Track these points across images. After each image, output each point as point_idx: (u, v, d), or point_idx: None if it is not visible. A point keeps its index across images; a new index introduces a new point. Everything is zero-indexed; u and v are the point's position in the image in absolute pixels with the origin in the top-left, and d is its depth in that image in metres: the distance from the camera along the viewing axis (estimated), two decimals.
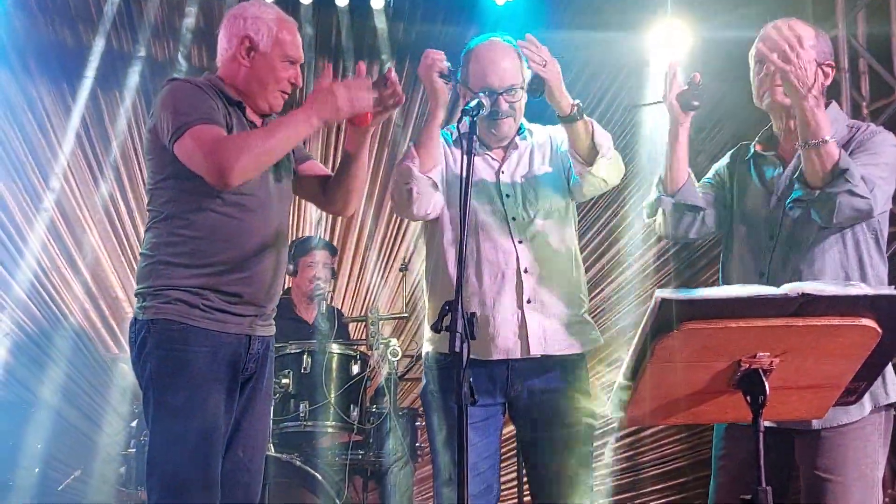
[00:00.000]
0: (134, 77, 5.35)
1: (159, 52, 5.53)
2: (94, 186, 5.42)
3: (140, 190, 5.33)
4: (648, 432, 5.34)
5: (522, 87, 2.84)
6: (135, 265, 5.02)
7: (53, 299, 5.29)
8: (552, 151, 2.94)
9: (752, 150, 2.68)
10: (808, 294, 1.83)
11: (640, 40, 5.26)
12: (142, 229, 5.05)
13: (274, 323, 2.71)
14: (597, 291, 5.35)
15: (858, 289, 1.91)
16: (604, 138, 2.78)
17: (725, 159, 2.78)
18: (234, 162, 2.35)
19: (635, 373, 1.95)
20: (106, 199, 5.41)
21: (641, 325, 1.89)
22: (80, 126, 5.39)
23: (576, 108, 2.71)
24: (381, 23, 5.50)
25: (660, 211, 2.71)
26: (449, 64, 2.71)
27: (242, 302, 2.54)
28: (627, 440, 5.43)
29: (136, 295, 2.56)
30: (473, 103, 2.48)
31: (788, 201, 2.49)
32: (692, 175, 2.68)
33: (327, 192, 2.79)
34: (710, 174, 2.78)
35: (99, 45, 5.31)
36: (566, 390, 2.79)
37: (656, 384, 1.95)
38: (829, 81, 2.56)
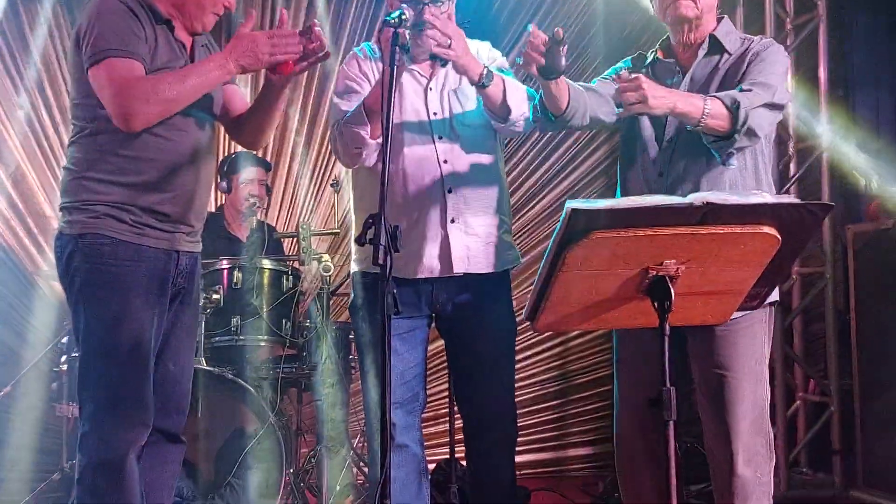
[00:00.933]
0: None
1: None
2: (14, 97, 5.22)
3: (64, 101, 5.18)
4: (576, 342, 5.44)
5: (449, 1, 2.78)
6: (57, 178, 5.03)
7: None
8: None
9: (653, 57, 2.76)
10: (712, 203, 1.90)
11: None
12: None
13: (201, 240, 2.71)
14: (525, 210, 5.40)
15: (760, 197, 1.98)
16: (515, 98, 2.75)
17: (625, 63, 2.84)
18: (138, 109, 2.36)
19: (548, 281, 2.01)
20: (29, 111, 5.23)
21: (553, 235, 1.94)
22: None
23: (484, 75, 2.67)
24: None
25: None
26: (407, 16, 2.50)
27: (169, 219, 2.53)
28: (556, 350, 5.55)
29: (60, 209, 2.53)
30: (395, 14, 2.41)
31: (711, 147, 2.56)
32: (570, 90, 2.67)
33: (239, 123, 2.76)
34: (608, 72, 2.83)
35: None
36: (488, 305, 2.85)
37: (567, 292, 2.01)
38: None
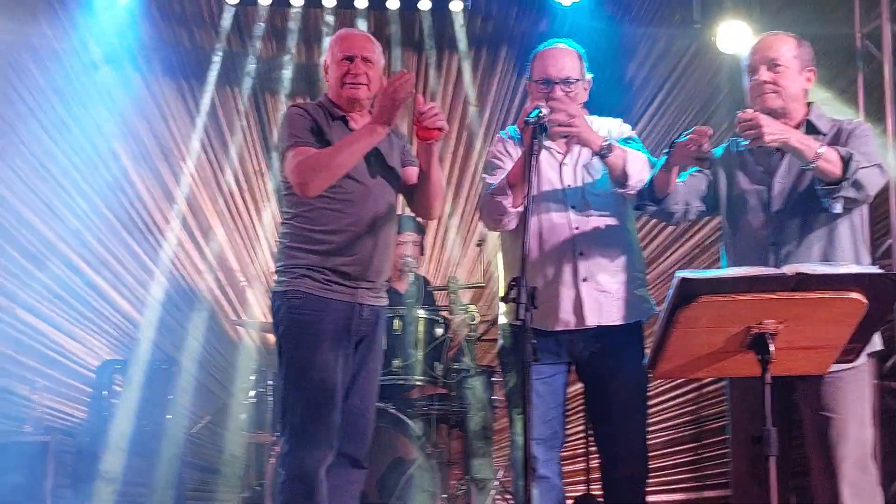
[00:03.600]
0: (248, 80, 5.87)
1: (268, 51, 6.02)
2: (216, 181, 5.96)
3: (253, 180, 5.93)
4: (710, 388, 5.50)
5: (580, 82, 3.15)
6: (250, 249, 5.71)
7: (185, 279, 5.90)
8: None
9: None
10: (803, 273, 2.17)
11: (699, 35, 5.55)
12: (256, 217, 5.80)
13: (385, 295, 3.13)
14: (656, 265, 5.62)
15: (846, 268, 2.22)
16: (634, 166, 3.02)
17: (719, 149, 3.05)
18: (308, 180, 2.88)
19: (664, 336, 2.32)
20: (226, 193, 5.95)
21: (667, 298, 2.25)
22: (203, 128, 5.92)
23: (604, 147, 2.99)
24: (459, 23, 5.88)
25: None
26: (544, 112, 2.84)
27: (350, 278, 2.98)
28: (691, 395, 5.66)
29: (275, 273, 3.07)
30: (534, 114, 2.77)
31: (819, 191, 2.73)
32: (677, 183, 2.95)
33: (414, 199, 3.21)
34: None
35: (219, 49, 5.82)
36: (621, 354, 3.08)
37: (681, 345, 2.31)
38: (810, 85, 2.90)
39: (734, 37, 5.24)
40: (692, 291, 2.18)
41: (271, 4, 5.77)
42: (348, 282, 2.98)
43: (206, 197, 5.95)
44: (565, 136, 3.07)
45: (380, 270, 3.08)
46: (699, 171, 3.00)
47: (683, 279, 2.16)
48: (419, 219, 4.50)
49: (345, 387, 2.96)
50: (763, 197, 2.87)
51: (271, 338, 3.27)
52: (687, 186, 2.99)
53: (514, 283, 2.52)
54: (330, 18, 5.79)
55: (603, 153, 3.01)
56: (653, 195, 2.96)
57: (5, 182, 5.57)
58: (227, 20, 5.77)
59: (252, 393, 4.57)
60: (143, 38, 5.75)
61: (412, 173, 3.19)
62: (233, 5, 5.73)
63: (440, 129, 2.94)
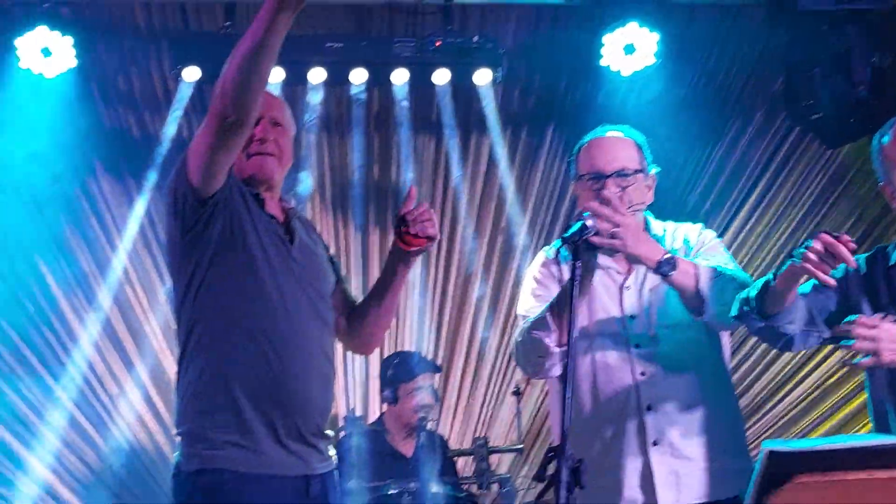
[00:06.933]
0: None
1: None
2: (158, 288, 6.11)
3: None
4: None
5: (640, 175, 3.17)
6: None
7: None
8: (686, 258, 3.15)
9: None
10: None
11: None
12: None
13: (330, 457, 3.05)
14: (757, 418, 5.64)
15: None
16: (713, 285, 3.00)
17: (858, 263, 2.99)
18: (221, 102, 2.73)
19: None
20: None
21: (752, 478, 2.26)
22: (146, 223, 6.12)
23: (662, 262, 2.98)
24: (488, 97, 6.02)
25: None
26: (590, 224, 2.90)
27: (288, 438, 2.87)
28: None
29: (177, 435, 2.96)
30: (575, 228, 2.81)
31: None
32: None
33: (350, 322, 3.20)
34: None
35: (167, 135, 6.02)
36: None
37: None
38: None
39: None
40: (785, 469, 2.19)
41: None
42: (287, 447, 2.88)
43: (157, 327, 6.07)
44: (599, 251, 3.06)
45: (322, 424, 3.01)
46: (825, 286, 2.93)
47: (772, 452, 2.17)
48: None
49: None
50: None
51: None
52: (811, 302, 2.95)
53: (552, 455, 2.54)
54: (316, 97, 5.98)
55: (663, 271, 3.00)
56: (762, 308, 2.91)
57: None
58: (182, 99, 5.98)
59: None
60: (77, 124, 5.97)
61: (345, 293, 3.23)
62: (191, 83, 5.94)
63: (430, 238, 2.99)
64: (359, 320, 3.20)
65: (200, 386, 2.89)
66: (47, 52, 5.57)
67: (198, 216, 2.89)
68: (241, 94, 2.72)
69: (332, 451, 3.11)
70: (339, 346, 3.27)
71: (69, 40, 5.58)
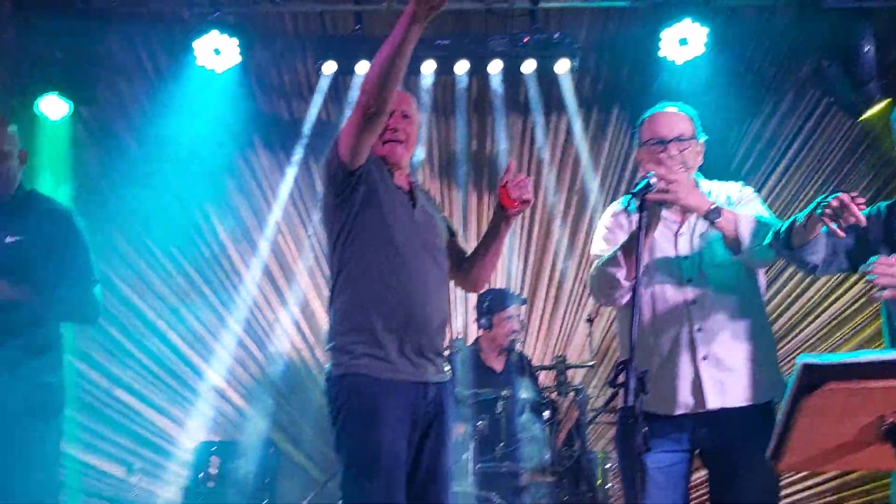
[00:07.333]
0: None
1: None
2: (304, 241, 6.23)
3: None
4: (855, 475, 5.35)
5: (693, 142, 3.14)
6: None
7: (288, 361, 6.15)
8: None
9: None
10: None
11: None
12: None
13: (447, 370, 3.12)
14: (791, 337, 5.52)
15: None
16: (749, 230, 2.97)
17: (880, 209, 2.94)
18: (366, 97, 2.84)
19: (787, 426, 2.26)
20: (317, 252, 6.18)
21: (789, 385, 2.20)
22: (294, 189, 6.22)
23: (710, 211, 2.96)
24: (566, 83, 5.99)
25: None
26: (653, 182, 2.85)
27: (412, 354, 2.96)
28: (833, 483, 5.48)
29: (327, 351, 3.05)
30: (641, 185, 2.78)
31: None
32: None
33: (463, 267, 3.24)
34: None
35: (311, 117, 6.11)
36: (748, 438, 2.95)
37: (807, 436, 2.22)
38: None
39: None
40: (817, 378, 2.12)
41: None
42: (410, 360, 2.97)
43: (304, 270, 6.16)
44: (662, 205, 3.02)
45: (439, 345, 3.09)
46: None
47: (806, 365, 2.11)
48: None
49: (421, 476, 2.95)
50: None
51: None
52: (834, 238, 2.84)
53: (621, 366, 2.51)
54: (428, 84, 5.98)
55: (710, 217, 2.98)
56: (789, 242, 2.87)
57: (106, 260, 5.91)
58: (322, 89, 6.03)
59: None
60: (239, 108, 6.06)
61: (458, 244, 3.28)
62: (328, 75, 5.98)
63: (525, 202, 3.01)
64: (469, 266, 3.25)
65: (346, 313, 3.01)
66: (217, 51, 5.65)
67: (346, 184, 3.00)
68: (381, 91, 2.84)
69: (447, 367, 3.14)
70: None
71: (235, 42, 5.65)
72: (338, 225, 3.04)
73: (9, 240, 3.32)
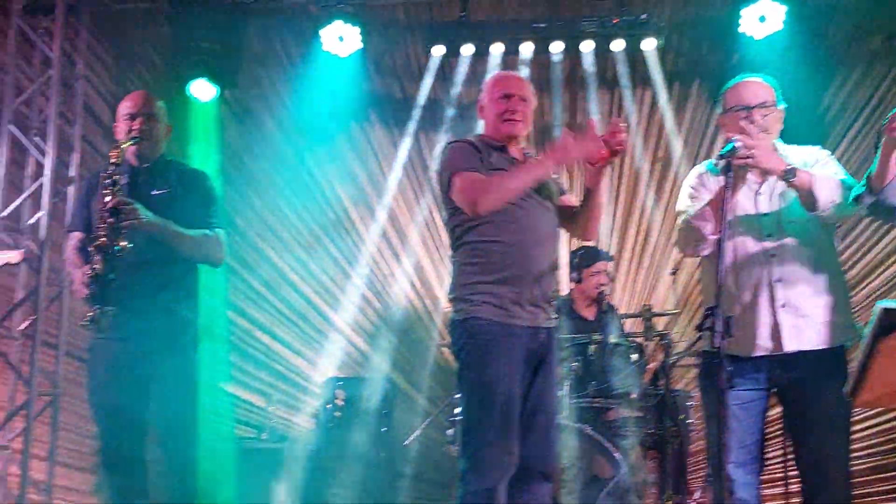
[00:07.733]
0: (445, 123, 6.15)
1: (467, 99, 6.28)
2: (416, 206, 6.30)
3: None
4: None
5: (775, 107, 3.08)
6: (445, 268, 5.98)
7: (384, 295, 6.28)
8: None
9: None
10: None
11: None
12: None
13: (555, 317, 3.15)
14: (863, 286, 5.34)
15: None
16: (822, 189, 2.93)
17: None
18: (478, 199, 2.95)
19: (865, 366, 2.22)
20: (426, 216, 6.26)
21: (868, 327, 2.15)
22: (406, 160, 6.28)
23: (786, 172, 2.92)
24: (652, 60, 5.88)
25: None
26: (738, 146, 2.86)
27: (527, 301, 3.01)
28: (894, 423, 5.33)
29: (450, 300, 3.13)
30: (728, 148, 2.77)
31: None
32: None
33: (573, 220, 3.24)
34: None
35: (422, 96, 6.16)
36: (821, 379, 2.95)
37: (883, 375, 2.19)
38: None
39: None
40: (894, 321, 2.08)
41: (473, 54, 5.99)
42: (525, 306, 3.01)
43: (416, 234, 6.26)
44: (744, 168, 2.99)
45: (551, 294, 3.12)
46: None
47: (885, 310, 2.07)
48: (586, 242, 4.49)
49: (531, 407, 3.00)
50: None
51: None
52: None
53: (709, 312, 2.51)
54: (526, 60, 5.93)
55: (787, 177, 2.94)
56: (871, 187, 2.81)
57: (245, 219, 6.14)
58: (431, 71, 6.06)
59: (457, 410, 4.71)
60: (359, 88, 6.15)
61: (565, 199, 3.27)
62: (437, 57, 6.00)
63: (616, 153, 2.99)
64: (579, 218, 3.24)
65: (466, 267, 3.08)
66: (341, 38, 5.73)
67: None
68: (493, 209, 2.95)
69: (555, 315, 3.16)
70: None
71: (357, 30, 5.72)
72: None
73: (155, 193, 3.47)
